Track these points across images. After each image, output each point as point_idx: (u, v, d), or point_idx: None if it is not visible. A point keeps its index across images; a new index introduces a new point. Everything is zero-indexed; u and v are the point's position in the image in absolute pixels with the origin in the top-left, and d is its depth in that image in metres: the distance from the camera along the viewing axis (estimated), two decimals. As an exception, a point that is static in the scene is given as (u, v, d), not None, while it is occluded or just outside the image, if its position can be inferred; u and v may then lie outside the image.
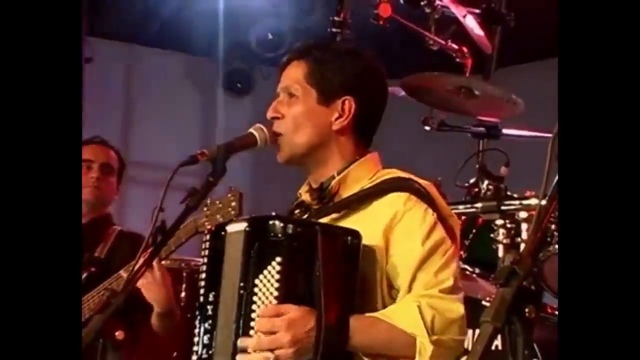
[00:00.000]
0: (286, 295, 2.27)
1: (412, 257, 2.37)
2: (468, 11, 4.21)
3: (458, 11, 4.17)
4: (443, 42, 4.20)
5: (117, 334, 3.60)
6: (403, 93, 3.99)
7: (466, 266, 3.79)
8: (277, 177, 5.75)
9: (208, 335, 2.36)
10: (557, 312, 3.47)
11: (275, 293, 2.27)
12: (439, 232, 2.41)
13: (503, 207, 3.65)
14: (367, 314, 2.32)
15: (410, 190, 2.44)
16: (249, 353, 2.26)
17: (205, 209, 3.23)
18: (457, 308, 2.34)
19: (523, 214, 3.62)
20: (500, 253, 3.67)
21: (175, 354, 4.60)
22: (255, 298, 2.28)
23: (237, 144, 2.51)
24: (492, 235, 3.70)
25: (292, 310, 2.25)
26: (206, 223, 3.18)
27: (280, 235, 2.29)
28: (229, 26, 7.19)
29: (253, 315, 2.28)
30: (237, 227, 2.38)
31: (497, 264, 3.67)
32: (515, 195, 3.67)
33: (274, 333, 2.25)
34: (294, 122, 2.51)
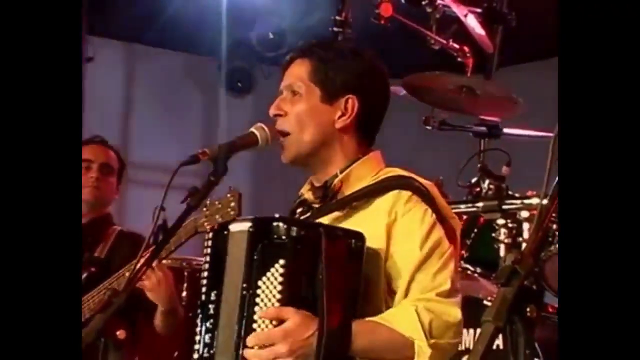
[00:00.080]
0: (289, 297, 2.27)
1: (411, 259, 2.37)
2: (469, 10, 4.21)
3: (459, 10, 4.17)
4: (444, 42, 4.20)
5: (118, 333, 3.60)
6: (404, 92, 3.99)
7: (468, 265, 3.79)
8: (278, 177, 5.76)
9: (209, 334, 2.36)
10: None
11: (278, 295, 2.26)
12: (438, 233, 2.41)
13: (504, 207, 3.65)
14: (368, 319, 2.31)
15: (411, 189, 2.44)
16: None
17: (204, 209, 3.23)
18: (454, 312, 2.34)
19: (524, 214, 3.62)
20: (502, 252, 3.67)
21: (176, 353, 4.60)
22: (257, 299, 2.28)
23: (239, 144, 2.50)
24: (493, 234, 3.70)
25: (291, 316, 2.25)
26: (205, 223, 3.19)
27: (284, 237, 2.28)
28: (230, 25, 7.19)
29: (255, 316, 2.28)
30: (240, 227, 2.38)
31: (498, 263, 3.68)
32: (516, 195, 3.68)
33: (272, 344, 2.24)
34: (297, 120, 2.51)
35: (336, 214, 2.49)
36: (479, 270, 3.79)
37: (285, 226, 2.29)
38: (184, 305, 4.02)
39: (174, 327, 3.62)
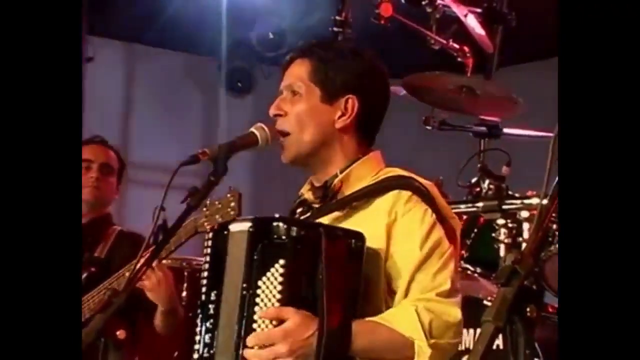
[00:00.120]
0: (289, 297, 2.27)
1: (411, 259, 2.37)
2: (469, 10, 4.21)
3: (459, 10, 4.18)
4: (444, 42, 4.20)
5: (118, 333, 3.60)
6: (404, 92, 3.99)
7: (468, 265, 3.79)
8: (278, 177, 5.76)
9: (209, 334, 2.36)
10: (558, 312, 3.47)
11: (278, 295, 2.26)
12: (438, 233, 2.41)
13: (504, 207, 3.65)
14: (368, 319, 2.31)
15: (411, 189, 2.44)
16: None
17: (204, 209, 3.23)
18: (454, 312, 2.34)
19: (524, 214, 3.62)
20: (502, 252, 3.67)
21: (176, 353, 4.60)
22: (257, 299, 2.28)
23: (239, 144, 2.50)
24: (493, 234, 3.70)
25: (291, 316, 2.25)
26: (205, 223, 3.19)
27: (284, 237, 2.28)
28: (230, 25, 7.19)
29: (255, 316, 2.28)
30: (240, 227, 2.38)
31: (498, 263, 3.68)
32: (516, 195, 3.68)
33: (272, 344, 2.24)
34: (298, 120, 2.51)
35: (336, 214, 2.49)
36: (479, 270, 3.79)
37: (285, 226, 2.29)
38: (184, 305, 4.02)
39: (174, 327, 3.62)
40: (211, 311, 2.37)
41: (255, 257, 2.29)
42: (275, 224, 2.30)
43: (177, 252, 3.44)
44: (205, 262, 2.43)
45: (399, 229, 2.40)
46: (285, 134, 2.52)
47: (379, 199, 2.45)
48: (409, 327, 2.29)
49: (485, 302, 3.50)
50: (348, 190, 2.50)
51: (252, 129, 2.52)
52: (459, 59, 4.26)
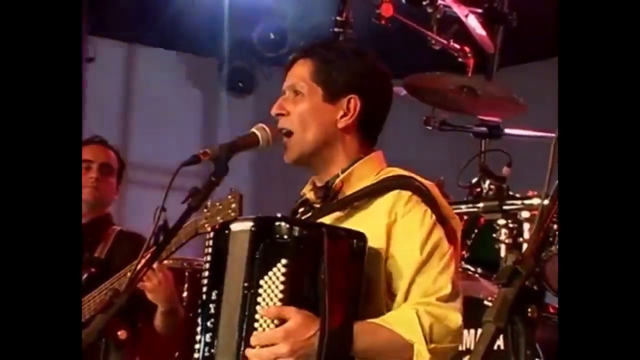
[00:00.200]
0: (291, 297, 2.27)
1: (411, 261, 2.37)
2: (470, 11, 4.21)
3: (460, 11, 4.18)
4: (445, 42, 4.20)
5: (119, 333, 3.60)
6: (405, 92, 3.99)
7: (468, 266, 3.79)
8: (278, 177, 5.76)
9: (210, 334, 2.36)
10: (559, 312, 3.46)
11: (280, 295, 2.26)
12: (438, 234, 2.41)
13: (505, 207, 3.65)
14: (369, 320, 2.31)
15: (411, 189, 2.44)
16: None
17: (205, 210, 3.23)
18: (455, 317, 2.34)
19: (525, 214, 3.62)
20: (503, 253, 3.67)
21: (177, 353, 4.60)
22: (259, 299, 2.28)
23: (240, 144, 2.51)
24: (494, 235, 3.70)
25: (293, 316, 2.25)
26: (206, 224, 3.19)
27: (286, 236, 2.28)
28: (231, 25, 7.19)
29: (257, 316, 2.28)
30: (242, 226, 2.38)
31: (499, 263, 3.67)
32: (517, 195, 3.68)
33: (273, 344, 2.24)
34: (300, 120, 2.51)
35: (337, 214, 2.49)
36: (479, 270, 3.79)
37: (287, 226, 2.29)
38: (185, 305, 4.02)
39: (173, 327, 3.62)
40: (212, 310, 2.37)
41: (257, 256, 2.29)
42: (277, 223, 2.30)
43: (178, 253, 3.44)
44: (206, 261, 2.43)
45: (399, 229, 2.40)
46: (289, 134, 2.52)
47: (380, 198, 2.45)
48: (409, 330, 2.29)
49: (486, 302, 3.49)
50: (349, 190, 2.50)
51: (253, 130, 2.52)
52: (460, 59, 4.26)
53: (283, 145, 2.54)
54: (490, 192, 3.73)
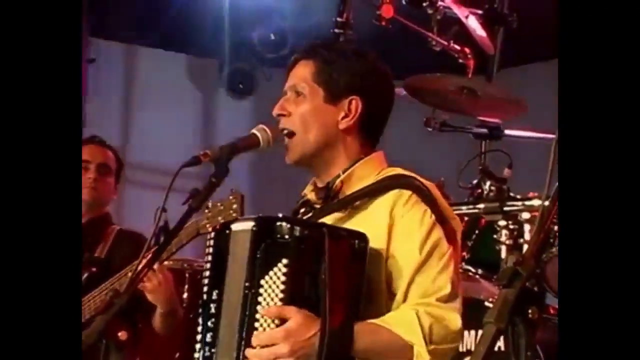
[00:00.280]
0: (292, 297, 2.27)
1: (410, 261, 2.37)
2: (470, 12, 4.21)
3: (460, 12, 4.18)
4: (445, 43, 4.20)
5: (120, 334, 3.60)
6: (405, 94, 3.99)
7: (469, 267, 3.79)
8: (279, 178, 5.75)
9: (211, 334, 2.36)
10: (560, 314, 3.46)
11: (281, 295, 2.26)
12: (437, 234, 2.41)
13: (506, 208, 3.65)
14: (369, 320, 2.31)
15: (412, 188, 2.44)
16: None
17: (206, 210, 3.23)
18: (454, 319, 2.34)
19: (526, 215, 3.62)
20: (503, 254, 3.67)
21: (177, 354, 4.60)
22: (260, 299, 2.27)
23: (240, 145, 2.51)
24: (494, 236, 3.70)
25: (293, 315, 2.25)
26: (207, 225, 3.19)
27: (287, 236, 2.28)
28: (231, 26, 7.19)
29: (257, 316, 2.28)
30: (243, 226, 2.38)
31: (499, 265, 3.67)
32: (518, 196, 3.68)
33: (273, 344, 2.24)
34: (302, 120, 2.51)
35: (338, 214, 2.49)
36: (480, 271, 3.79)
37: (288, 226, 2.29)
38: (185, 306, 4.02)
39: (172, 328, 3.62)
40: (212, 310, 2.37)
41: (258, 256, 2.29)
42: (278, 223, 2.30)
43: (179, 254, 3.44)
44: (207, 261, 2.43)
45: (398, 229, 2.40)
46: (290, 135, 2.52)
47: (380, 198, 2.45)
48: (409, 331, 2.29)
49: (486, 303, 3.49)
50: (349, 191, 2.50)
51: (254, 131, 2.52)
52: (460, 61, 4.26)
53: (284, 146, 2.54)
54: (491, 194, 3.73)
